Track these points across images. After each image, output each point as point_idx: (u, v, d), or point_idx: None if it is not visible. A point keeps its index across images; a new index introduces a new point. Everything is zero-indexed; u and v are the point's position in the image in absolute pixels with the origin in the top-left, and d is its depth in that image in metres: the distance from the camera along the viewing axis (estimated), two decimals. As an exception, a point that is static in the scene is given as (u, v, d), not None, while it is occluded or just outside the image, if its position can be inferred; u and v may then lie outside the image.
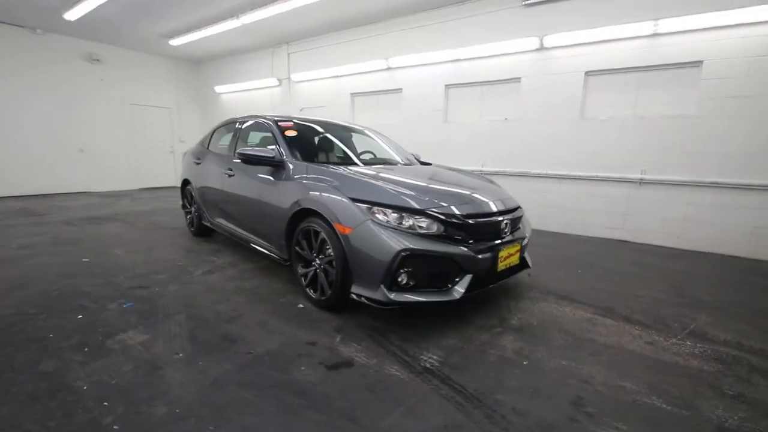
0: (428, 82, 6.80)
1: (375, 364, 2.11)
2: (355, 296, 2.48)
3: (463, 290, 2.41)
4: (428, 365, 2.12)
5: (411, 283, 2.35)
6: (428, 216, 2.41)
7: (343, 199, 2.54)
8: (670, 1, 4.65)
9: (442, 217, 2.43)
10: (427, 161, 4.29)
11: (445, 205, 2.50)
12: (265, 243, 3.42)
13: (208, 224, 4.48)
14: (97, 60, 9.00)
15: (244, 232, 3.74)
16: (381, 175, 2.85)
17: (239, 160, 3.63)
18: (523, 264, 2.94)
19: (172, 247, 4.37)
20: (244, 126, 4.08)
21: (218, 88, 10.42)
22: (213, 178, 4.18)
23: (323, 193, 2.68)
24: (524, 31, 5.69)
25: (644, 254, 4.65)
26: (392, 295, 2.31)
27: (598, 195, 5.49)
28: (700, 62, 4.66)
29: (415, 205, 2.43)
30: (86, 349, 2.18)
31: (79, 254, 4.00)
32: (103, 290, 3.06)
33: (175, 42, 8.50)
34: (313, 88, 8.47)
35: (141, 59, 9.82)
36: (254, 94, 9.75)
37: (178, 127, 10.84)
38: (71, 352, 2.15)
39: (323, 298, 2.72)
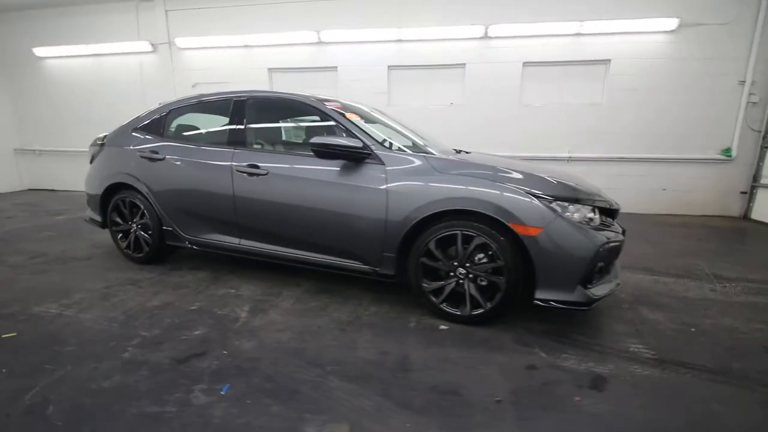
0: (369, 62, 6.38)
1: (622, 369, 1.98)
2: (540, 302, 2.23)
3: (618, 278, 2.47)
4: (648, 355, 2.12)
5: (599, 277, 2.27)
6: (593, 206, 2.34)
7: (521, 196, 2.20)
8: (592, 7, 5.60)
9: (606, 206, 2.40)
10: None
11: (597, 194, 2.46)
12: (333, 259, 2.69)
13: (183, 244, 3.20)
14: None
15: (284, 250, 2.83)
16: (517, 162, 2.61)
17: (303, 154, 2.78)
18: None
19: (138, 288, 2.95)
20: (247, 107, 3.00)
21: (40, 51, 7.26)
22: (203, 179, 2.97)
23: (486, 189, 2.25)
24: (468, 18, 5.92)
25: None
26: (593, 292, 2.18)
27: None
28: (609, 60, 5.82)
29: (586, 196, 2.31)
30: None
31: (-26, 329, 2.29)
32: (135, 379, 1.85)
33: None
34: (210, 59, 6.82)
35: None
36: (110, 63, 7.20)
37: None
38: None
39: (476, 312, 2.35)
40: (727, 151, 5.74)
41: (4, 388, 1.78)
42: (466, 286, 2.35)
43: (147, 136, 3.31)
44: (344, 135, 2.63)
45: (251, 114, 3.00)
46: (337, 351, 2.13)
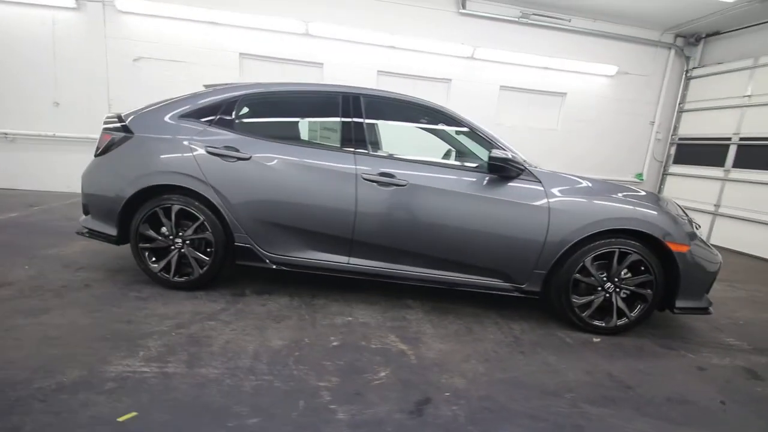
0: (358, 64, 6.10)
1: (743, 359, 2.39)
2: (678, 311, 2.52)
3: None
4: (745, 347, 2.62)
5: (708, 286, 2.69)
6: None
7: (666, 214, 2.46)
8: (557, 48, 6.47)
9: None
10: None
11: None
12: (470, 277, 2.56)
13: (262, 263, 2.58)
14: None
15: (406, 268, 2.56)
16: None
17: (444, 164, 2.62)
18: None
19: (226, 323, 2.26)
20: (364, 105, 2.61)
21: None
22: (313, 186, 2.47)
23: (648, 210, 2.44)
24: (457, 37, 6.20)
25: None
26: (709, 299, 2.58)
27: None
28: (565, 93, 6.81)
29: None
30: None
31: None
32: (397, 444, 1.47)
33: None
34: (162, 31, 5.55)
35: None
36: (6, 15, 5.20)
37: None
38: None
39: (621, 323, 2.53)
40: (639, 175, 7.29)
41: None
42: (613, 299, 2.51)
43: (212, 128, 2.56)
44: (499, 148, 2.54)
45: (369, 114, 2.62)
46: (545, 376, 2.04)
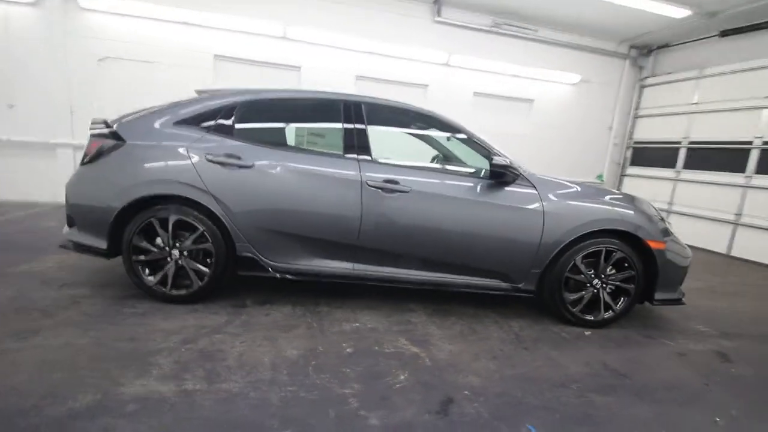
0: (336, 68, 6.11)
1: (712, 342, 2.66)
2: (657, 303, 2.76)
3: None
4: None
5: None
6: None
7: (644, 214, 2.69)
8: (526, 56, 6.80)
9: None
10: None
11: None
12: (471, 279, 2.68)
13: (264, 273, 2.55)
14: None
15: (409, 272, 2.63)
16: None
17: (443, 170, 2.70)
18: None
19: (236, 337, 2.22)
20: (365, 112, 2.65)
21: None
22: (318, 193, 2.47)
23: (628, 211, 2.65)
24: (433, 44, 6.37)
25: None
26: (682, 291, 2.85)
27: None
28: (533, 100, 7.17)
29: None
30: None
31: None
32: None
33: None
34: (130, 30, 5.27)
35: None
36: None
37: None
38: None
39: (608, 316, 2.73)
40: (600, 176, 7.80)
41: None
42: (601, 295, 2.71)
43: (210, 135, 2.49)
44: (497, 155, 2.65)
45: (371, 121, 2.65)
46: (550, 370, 2.18)
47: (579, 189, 2.73)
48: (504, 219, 2.57)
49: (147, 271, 2.51)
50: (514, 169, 2.56)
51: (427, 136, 3.29)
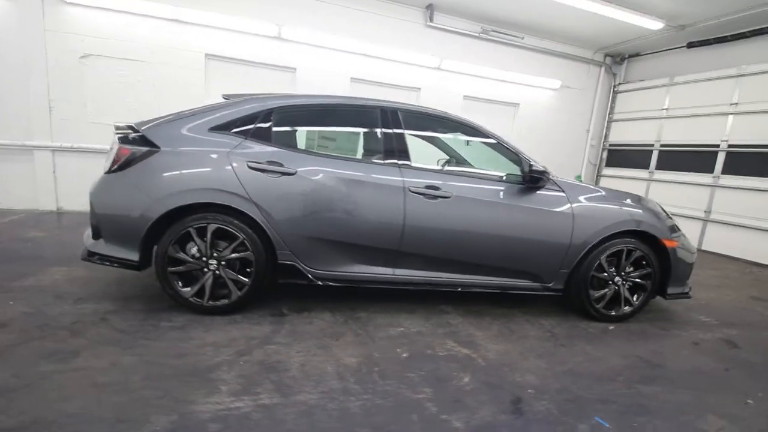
0: (332, 70, 6.06)
1: (720, 331, 2.91)
2: (669, 297, 2.97)
3: None
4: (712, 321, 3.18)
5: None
6: None
7: (657, 215, 2.89)
8: (511, 61, 7.06)
9: None
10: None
11: None
12: (505, 280, 2.78)
13: (304, 281, 2.52)
14: None
15: (447, 275, 2.69)
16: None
17: (478, 175, 2.76)
18: None
19: (288, 347, 2.17)
20: (402, 119, 2.67)
21: None
22: (362, 200, 2.47)
23: (644, 212, 2.84)
24: (426, 48, 6.47)
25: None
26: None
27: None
28: (518, 104, 7.45)
29: None
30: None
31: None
32: None
33: None
34: (116, 27, 4.96)
35: None
36: None
37: None
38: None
39: (628, 310, 2.91)
40: (578, 177, 8.22)
41: None
42: (621, 291, 2.89)
43: (249, 141, 2.42)
44: (528, 162, 2.76)
45: (408, 128, 2.69)
46: (592, 364, 2.30)
47: (603, 193, 2.90)
48: (537, 222, 2.68)
49: (180, 282, 2.41)
50: (548, 174, 2.68)
51: (443, 139, 3.37)
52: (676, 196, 6.56)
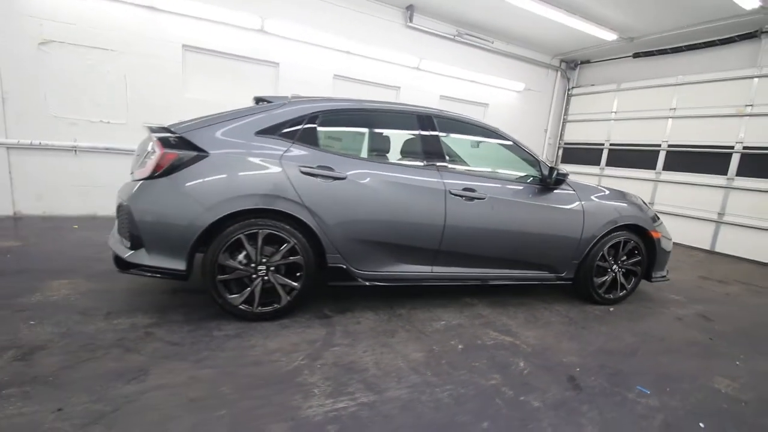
0: (315, 67, 5.97)
1: (676, 306, 3.45)
2: (654, 280, 3.44)
3: None
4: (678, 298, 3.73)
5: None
6: None
7: (643, 209, 3.33)
8: (483, 65, 7.45)
9: None
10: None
11: None
12: (529, 272, 3.05)
13: (353, 282, 2.58)
14: None
15: (480, 271, 2.91)
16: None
17: (503, 177, 2.97)
18: None
19: (351, 348, 2.23)
20: (440, 124, 2.82)
21: None
22: (408, 202, 2.58)
23: (631, 207, 3.24)
24: (405, 48, 6.62)
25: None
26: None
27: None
28: (488, 104, 7.89)
29: None
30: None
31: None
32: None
33: None
34: (82, 11, 4.46)
35: None
36: None
37: None
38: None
39: (622, 294, 3.33)
40: (538, 173, 8.91)
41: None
42: (618, 277, 3.31)
43: (297, 146, 2.40)
44: (544, 164, 3.03)
45: (443, 132, 2.82)
46: (613, 342, 2.64)
47: (606, 192, 3.27)
48: (557, 218, 2.97)
49: (229, 288, 2.35)
50: (566, 175, 2.98)
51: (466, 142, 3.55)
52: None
